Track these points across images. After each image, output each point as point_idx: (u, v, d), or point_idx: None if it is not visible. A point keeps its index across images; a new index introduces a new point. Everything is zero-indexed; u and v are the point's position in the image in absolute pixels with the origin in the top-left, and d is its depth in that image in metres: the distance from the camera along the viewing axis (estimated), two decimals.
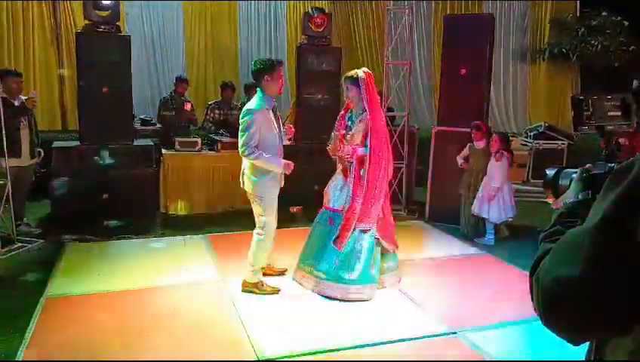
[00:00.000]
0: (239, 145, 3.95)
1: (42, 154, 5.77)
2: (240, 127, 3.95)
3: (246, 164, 4.10)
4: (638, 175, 0.89)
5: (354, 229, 4.14)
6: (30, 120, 5.62)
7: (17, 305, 3.93)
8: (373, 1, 10.15)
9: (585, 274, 0.90)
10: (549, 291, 0.96)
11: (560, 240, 1.00)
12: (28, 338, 3.40)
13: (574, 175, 1.27)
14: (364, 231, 4.16)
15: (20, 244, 5.19)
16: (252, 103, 4.00)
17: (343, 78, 4.28)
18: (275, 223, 4.25)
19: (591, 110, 1.36)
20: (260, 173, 4.03)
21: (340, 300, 4.05)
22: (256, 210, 4.14)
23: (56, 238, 5.42)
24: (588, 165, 1.27)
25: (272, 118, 4.06)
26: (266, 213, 4.11)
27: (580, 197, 1.19)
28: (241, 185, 4.20)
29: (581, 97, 1.38)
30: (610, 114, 1.37)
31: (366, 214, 4.14)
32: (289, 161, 4.08)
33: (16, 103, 5.44)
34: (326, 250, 4.21)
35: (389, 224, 4.40)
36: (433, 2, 10.63)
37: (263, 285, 4.22)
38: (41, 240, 5.38)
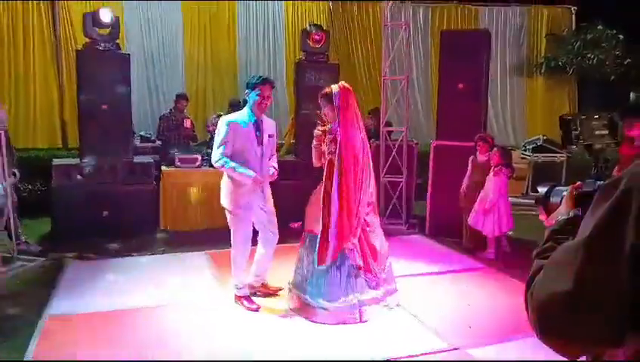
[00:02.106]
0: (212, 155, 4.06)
1: (18, 174, 5.64)
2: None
3: (224, 176, 4.16)
4: (625, 190, 0.91)
5: (335, 248, 3.98)
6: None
7: (18, 323, 3.92)
8: (371, 15, 10.25)
9: (576, 288, 0.92)
10: (543, 306, 0.98)
11: (551, 256, 1.03)
12: (29, 357, 3.38)
13: (565, 192, 1.30)
14: (345, 254, 4.00)
15: (20, 263, 5.18)
16: (232, 115, 4.20)
17: (319, 97, 4.13)
18: (247, 239, 4.20)
19: (579, 129, 1.39)
20: (230, 185, 4.09)
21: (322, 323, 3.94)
22: (229, 222, 4.18)
23: (56, 256, 5.41)
24: (578, 183, 1.30)
25: (253, 135, 4.06)
26: (233, 227, 4.15)
27: (570, 214, 1.22)
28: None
29: (569, 117, 1.41)
30: (597, 133, 1.40)
31: (343, 230, 3.97)
32: (257, 176, 4.03)
33: None
34: (310, 275, 4.09)
35: (369, 248, 4.13)
36: (430, 17, 10.73)
37: (244, 301, 4.23)
38: (42, 258, 5.37)
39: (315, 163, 4.27)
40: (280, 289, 4.50)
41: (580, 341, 0.97)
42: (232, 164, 3.97)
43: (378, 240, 4.21)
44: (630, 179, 0.92)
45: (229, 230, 4.19)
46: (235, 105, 7.69)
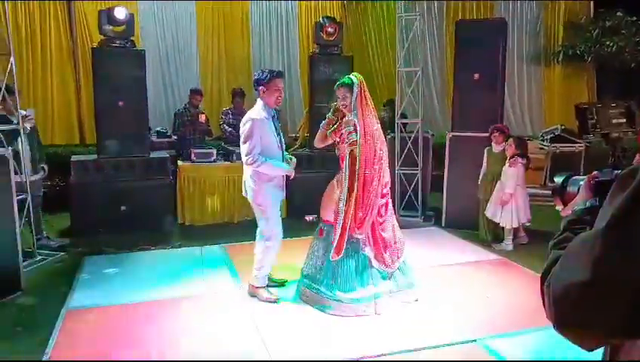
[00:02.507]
0: (243, 154, 4.01)
1: (46, 170, 5.79)
2: (242, 137, 4.01)
3: (247, 172, 4.13)
4: None
5: (349, 239, 3.99)
6: (31, 137, 5.46)
7: (39, 317, 4.00)
8: (385, 6, 10.17)
9: (594, 278, 0.90)
10: (560, 297, 0.96)
11: (568, 246, 1.01)
12: (50, 351, 3.44)
13: (582, 182, 1.28)
14: (359, 245, 4.01)
15: (41, 257, 5.27)
16: (253, 112, 4.06)
17: (336, 86, 4.11)
18: (281, 231, 4.27)
19: (595, 118, 1.37)
20: (261, 181, 4.07)
21: (338, 315, 3.94)
22: (259, 218, 4.19)
23: (76, 251, 5.50)
24: (595, 172, 1.28)
25: (273, 128, 4.10)
26: (269, 222, 4.15)
27: (587, 204, 1.20)
28: (244, 194, 4.25)
29: (585, 106, 1.39)
30: (614, 121, 1.38)
31: (359, 221, 3.97)
32: (290, 168, 4.18)
33: (14, 121, 5.17)
34: (325, 266, 4.10)
35: (380, 237, 4.11)
36: (444, 7, 10.62)
37: (264, 293, 4.25)
38: (62, 253, 5.46)
39: (316, 143, 4.37)
40: (285, 281, 4.56)
41: (597, 331, 0.95)
42: (269, 161, 4.01)
43: (392, 231, 4.19)
44: None
45: (246, 223, 4.25)
46: (240, 95, 7.69)
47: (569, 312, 0.95)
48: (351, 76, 4.08)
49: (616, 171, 1.27)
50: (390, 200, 4.27)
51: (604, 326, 0.93)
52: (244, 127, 4.01)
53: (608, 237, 0.91)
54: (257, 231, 4.28)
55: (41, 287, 4.65)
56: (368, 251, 4.04)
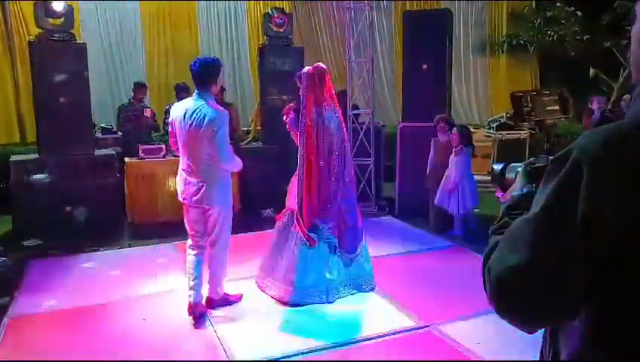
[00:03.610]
0: (222, 154, 3.57)
1: None
2: (217, 135, 3.53)
3: (204, 176, 3.64)
4: (574, 163, 0.92)
5: (311, 227, 3.96)
6: None
7: None
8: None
9: (531, 261, 0.93)
10: (500, 280, 0.98)
11: (506, 231, 1.04)
12: None
13: (519, 169, 1.31)
14: (324, 232, 4.00)
15: None
16: (214, 108, 3.60)
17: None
18: None
19: (530, 106, 1.40)
20: (225, 182, 3.74)
21: (294, 304, 3.95)
22: (225, 220, 3.79)
23: (18, 255, 5.25)
24: (531, 158, 1.31)
25: None
26: (226, 227, 3.81)
27: (524, 190, 1.23)
28: (195, 203, 3.70)
29: (520, 94, 1.42)
30: (548, 108, 1.41)
31: (317, 211, 3.97)
32: None
33: None
34: (285, 252, 4.10)
35: (343, 228, 4.14)
36: None
37: (228, 299, 4.04)
38: (3, 258, 5.19)
39: (295, 139, 4.20)
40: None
41: (537, 314, 0.97)
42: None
43: (354, 219, 4.22)
44: (578, 151, 0.92)
45: None
46: (184, 90, 7.16)
47: (508, 296, 0.97)
48: (306, 67, 4.08)
49: (550, 157, 1.31)
50: (354, 192, 4.33)
51: (542, 308, 0.95)
52: (215, 124, 3.52)
53: (543, 220, 0.93)
54: (211, 239, 3.82)
55: None
56: (330, 238, 4.05)
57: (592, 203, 0.88)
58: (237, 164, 3.83)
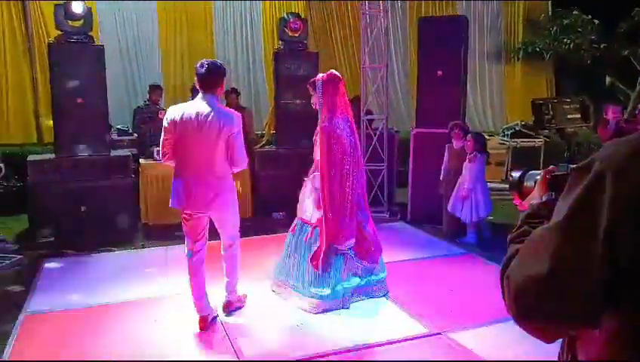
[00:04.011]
0: (241, 156, 3.57)
1: (2, 170, 5.58)
2: (235, 137, 3.52)
3: (218, 181, 3.57)
4: (598, 174, 0.91)
5: (329, 248, 3.95)
6: None
7: None
8: (349, 4, 10.19)
9: (552, 270, 0.92)
10: (520, 289, 0.97)
11: (526, 240, 1.03)
12: (7, 357, 3.32)
13: (538, 177, 1.30)
14: (338, 250, 4.00)
15: None
16: (226, 110, 3.61)
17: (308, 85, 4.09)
18: None
19: (551, 113, 1.40)
20: (233, 184, 3.71)
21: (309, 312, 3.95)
22: (234, 223, 3.81)
23: (34, 254, 5.32)
24: (551, 167, 1.31)
25: None
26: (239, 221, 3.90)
27: (544, 198, 1.22)
28: (209, 210, 3.64)
29: (541, 101, 1.42)
30: (569, 117, 1.41)
31: (335, 232, 3.92)
32: None
33: None
34: (297, 262, 4.09)
35: (363, 240, 4.12)
36: (408, 5, 10.71)
37: (237, 304, 4.02)
38: (19, 256, 5.26)
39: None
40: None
41: (557, 323, 0.97)
42: None
43: (369, 229, 4.19)
44: (602, 161, 0.92)
45: (210, 221, 3.96)
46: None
47: (528, 306, 0.97)
48: (320, 74, 4.03)
49: (571, 166, 1.30)
50: (366, 201, 4.29)
51: (562, 318, 0.95)
52: (235, 126, 3.51)
53: (565, 230, 0.92)
54: (228, 243, 3.85)
55: None
56: (352, 249, 4.03)
57: (616, 215, 0.87)
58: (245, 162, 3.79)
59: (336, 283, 4.00)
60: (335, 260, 4.00)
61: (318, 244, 3.96)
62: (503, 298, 1.04)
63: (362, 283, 4.15)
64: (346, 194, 3.94)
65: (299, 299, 4.04)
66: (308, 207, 4.12)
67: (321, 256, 3.91)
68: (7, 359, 3.30)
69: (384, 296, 4.25)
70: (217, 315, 3.88)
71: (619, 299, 0.89)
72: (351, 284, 4.08)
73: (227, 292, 3.95)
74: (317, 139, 4.01)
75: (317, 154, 4.00)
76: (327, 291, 3.95)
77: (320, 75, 4.01)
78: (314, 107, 4.06)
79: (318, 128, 4.00)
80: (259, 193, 6.66)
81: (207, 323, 3.72)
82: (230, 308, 3.95)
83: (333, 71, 4.05)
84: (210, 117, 3.47)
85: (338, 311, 3.97)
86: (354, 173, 3.97)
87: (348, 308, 4.01)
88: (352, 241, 4.02)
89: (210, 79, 3.56)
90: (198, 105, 3.53)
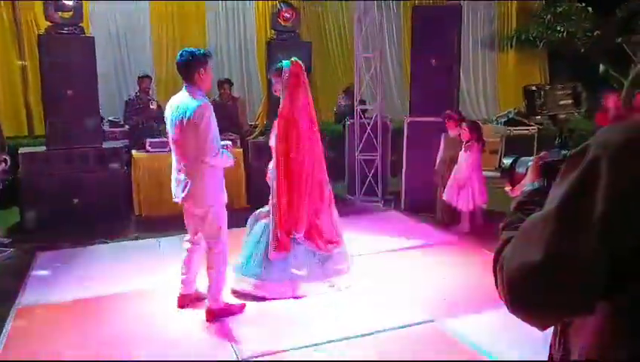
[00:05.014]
0: (204, 146, 3.39)
1: (8, 162, 5.58)
2: (199, 127, 3.37)
3: (190, 171, 3.51)
4: (593, 160, 0.90)
5: (282, 233, 3.95)
6: None
7: None
8: None
9: (547, 258, 0.91)
10: (514, 277, 0.96)
11: (521, 227, 1.02)
12: (0, 349, 3.31)
13: (530, 163, 1.29)
14: (291, 236, 3.98)
15: None
16: (197, 99, 3.44)
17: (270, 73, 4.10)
18: None
19: (543, 100, 1.39)
20: (215, 179, 3.57)
21: (258, 298, 3.93)
22: (214, 220, 3.61)
23: (27, 246, 5.29)
24: (543, 153, 1.30)
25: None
26: (222, 224, 3.65)
27: (536, 185, 1.21)
28: (182, 200, 3.60)
29: (533, 88, 1.41)
30: (561, 103, 1.40)
31: (287, 218, 3.94)
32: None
33: None
34: (250, 244, 4.12)
35: (316, 227, 4.10)
36: None
37: (230, 309, 3.80)
38: (12, 249, 5.24)
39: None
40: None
41: (551, 311, 0.97)
42: (221, 153, 3.53)
43: (325, 220, 4.18)
44: (597, 147, 0.90)
45: None
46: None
47: (522, 293, 0.96)
48: (284, 61, 4.04)
49: (563, 152, 1.29)
50: (329, 189, 4.27)
51: (556, 306, 0.94)
52: (198, 115, 3.37)
53: (560, 217, 0.91)
54: (202, 244, 3.75)
55: None
56: (300, 236, 4.03)
57: (612, 202, 0.86)
58: (225, 160, 3.59)
59: (285, 267, 3.99)
60: (289, 246, 3.99)
61: (271, 229, 3.98)
62: (496, 285, 1.03)
63: (316, 271, 4.09)
64: (302, 180, 3.98)
65: (241, 280, 4.01)
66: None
67: (274, 241, 3.94)
68: (0, 351, 3.29)
69: (346, 288, 4.17)
70: (194, 303, 3.89)
71: (614, 287, 0.88)
72: (301, 272, 4.03)
73: (208, 296, 3.76)
74: (275, 124, 4.03)
75: (272, 141, 4.04)
76: (272, 274, 3.96)
77: (285, 63, 4.00)
78: (276, 94, 4.10)
79: (280, 114, 4.00)
80: (253, 183, 6.63)
81: (180, 302, 3.85)
82: (211, 315, 3.71)
83: (297, 60, 4.06)
84: (179, 108, 3.49)
85: (329, 298, 3.97)
86: (311, 161, 4.01)
87: (298, 298, 3.97)
88: (303, 228, 4.02)
89: (184, 69, 3.53)
90: (177, 97, 3.58)
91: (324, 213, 4.19)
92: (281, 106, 3.99)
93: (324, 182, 4.22)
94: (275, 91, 4.07)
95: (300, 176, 4.00)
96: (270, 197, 4.14)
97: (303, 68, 4.05)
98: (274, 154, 4.04)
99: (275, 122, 4.04)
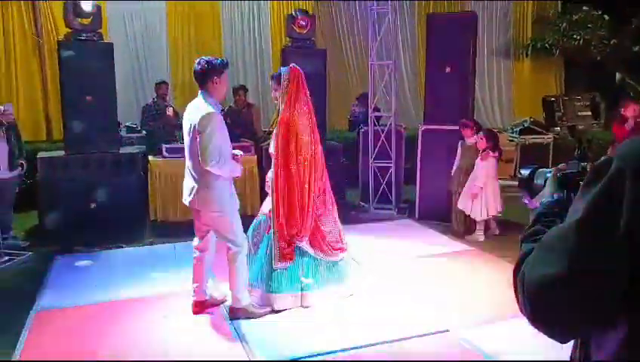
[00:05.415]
0: (203, 154, 3.44)
1: (25, 166, 5.66)
2: (202, 134, 3.45)
3: (197, 177, 3.59)
4: (615, 172, 0.90)
5: (284, 242, 3.93)
6: (9, 132, 5.44)
7: (6, 319, 3.87)
8: (357, 1, 10.16)
9: (569, 271, 0.91)
10: (535, 290, 0.96)
11: (542, 239, 1.01)
12: (19, 352, 3.36)
13: (549, 174, 1.29)
14: (294, 244, 3.96)
15: (7, 258, 5.12)
16: (207, 107, 3.51)
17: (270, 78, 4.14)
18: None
19: (562, 111, 1.38)
20: (216, 185, 3.58)
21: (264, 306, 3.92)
22: (223, 226, 3.72)
23: (44, 250, 5.36)
24: (561, 165, 1.29)
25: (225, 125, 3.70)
26: (236, 227, 3.73)
27: (555, 196, 1.21)
28: (190, 204, 3.68)
29: (552, 98, 1.40)
30: (580, 114, 1.39)
31: (288, 225, 3.92)
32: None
33: None
34: (255, 257, 4.09)
35: (317, 230, 4.07)
36: (416, 1, 10.66)
37: (256, 308, 3.88)
38: (29, 253, 5.31)
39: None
40: (225, 299, 4.09)
41: (574, 323, 0.96)
42: (227, 162, 3.60)
43: (332, 225, 4.18)
44: (621, 159, 0.90)
45: None
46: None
47: (543, 306, 0.96)
48: (283, 68, 4.06)
49: (582, 163, 1.29)
50: (331, 196, 4.25)
51: (579, 318, 0.94)
52: (204, 123, 3.44)
53: (584, 230, 0.91)
54: (210, 249, 3.89)
55: (8, 288, 4.53)
56: (305, 245, 4.01)
57: (635, 215, 0.86)
58: (232, 170, 3.64)
59: (292, 280, 3.96)
60: (293, 255, 3.97)
61: (273, 238, 3.95)
62: (516, 296, 1.03)
63: (322, 279, 4.07)
64: (303, 188, 3.96)
65: (251, 294, 3.97)
66: (268, 202, 4.11)
67: (276, 251, 3.92)
68: (19, 355, 3.33)
69: (350, 295, 4.16)
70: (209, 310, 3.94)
71: (636, 299, 0.88)
72: (309, 282, 4.00)
73: (232, 295, 3.89)
74: (275, 132, 4.02)
75: (272, 148, 4.03)
76: (282, 286, 3.93)
77: (286, 69, 4.02)
78: (274, 101, 4.10)
79: (280, 121, 3.97)
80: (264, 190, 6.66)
81: (193, 309, 3.90)
82: (233, 314, 3.85)
83: (296, 66, 4.06)
84: (191, 114, 3.59)
85: (343, 307, 3.97)
86: (312, 167, 3.99)
87: (307, 307, 3.96)
88: (306, 235, 4.00)
89: (200, 77, 3.62)
90: (192, 103, 3.68)
91: (327, 218, 4.17)
92: (281, 112, 3.98)
93: (326, 187, 4.21)
94: (274, 99, 4.07)
95: (301, 185, 3.96)
96: (269, 208, 4.06)
97: (302, 73, 4.03)
98: (273, 162, 4.00)
99: (276, 129, 4.02)
